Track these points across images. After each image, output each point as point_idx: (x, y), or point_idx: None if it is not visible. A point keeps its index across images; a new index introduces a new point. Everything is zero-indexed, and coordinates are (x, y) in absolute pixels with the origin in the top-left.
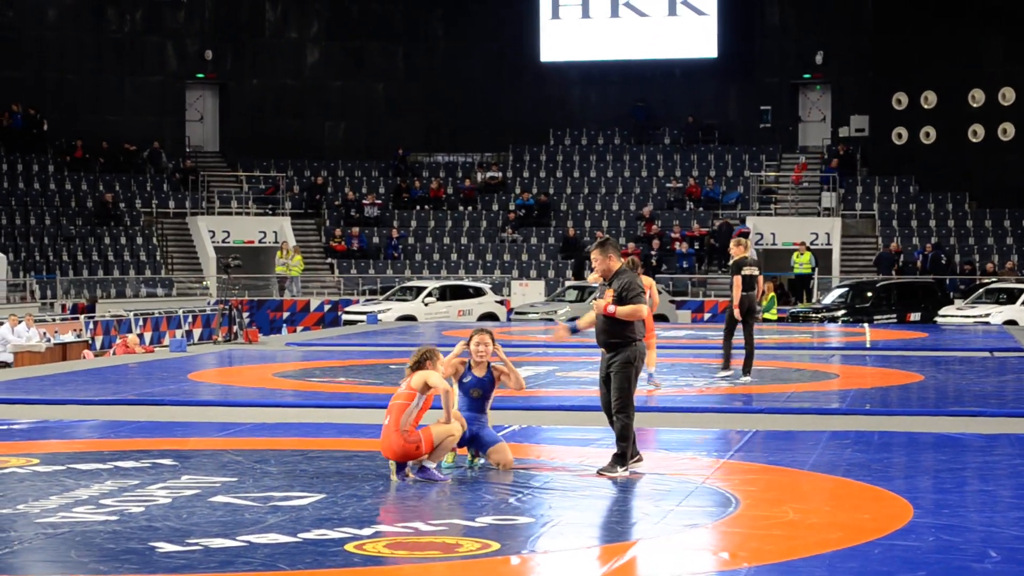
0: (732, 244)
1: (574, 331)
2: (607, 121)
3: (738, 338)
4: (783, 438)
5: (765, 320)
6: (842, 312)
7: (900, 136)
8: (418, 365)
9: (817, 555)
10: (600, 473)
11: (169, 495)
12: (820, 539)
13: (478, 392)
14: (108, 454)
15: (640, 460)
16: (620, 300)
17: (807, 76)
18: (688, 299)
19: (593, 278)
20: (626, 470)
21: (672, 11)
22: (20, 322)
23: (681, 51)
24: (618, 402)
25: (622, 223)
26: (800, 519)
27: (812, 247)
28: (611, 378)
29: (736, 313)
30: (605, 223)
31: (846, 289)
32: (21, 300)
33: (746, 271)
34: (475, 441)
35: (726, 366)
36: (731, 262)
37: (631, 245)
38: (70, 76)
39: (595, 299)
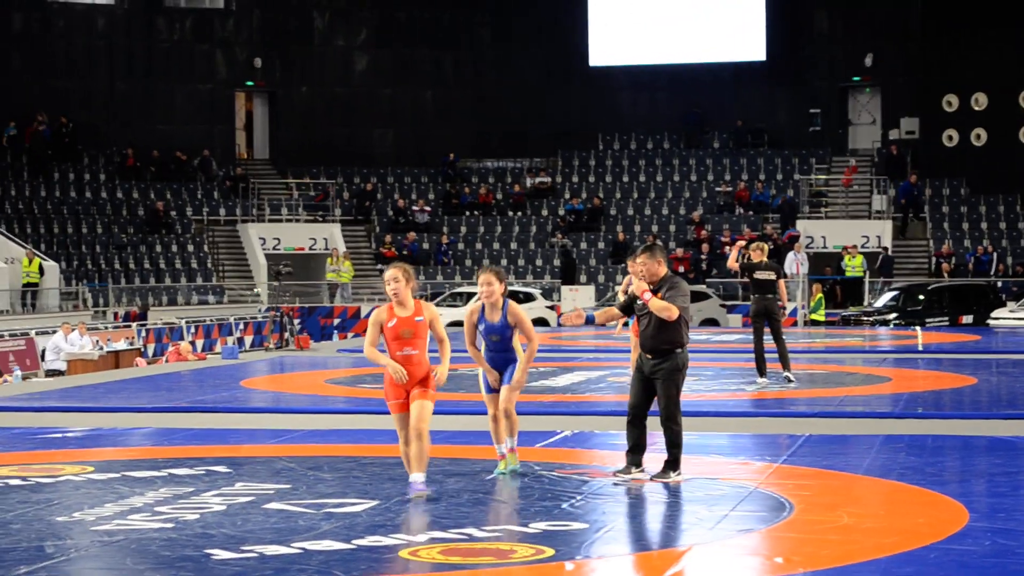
0: (751, 248)
1: (590, 320)
2: (656, 125)
3: (769, 342)
4: (836, 442)
5: (813, 322)
6: (894, 315)
7: (951, 138)
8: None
9: (873, 560)
10: (654, 479)
11: (223, 502)
12: (875, 544)
13: (496, 337)
14: (162, 461)
15: (642, 470)
16: (669, 301)
17: (856, 79)
18: (739, 303)
19: (635, 285)
20: (679, 474)
21: (720, 15)
22: (73, 330)
23: (730, 55)
24: (667, 410)
25: (672, 227)
26: (855, 523)
27: (863, 250)
28: (656, 385)
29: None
30: (655, 227)
31: (897, 292)
32: (74, 308)
33: (758, 275)
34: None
35: (761, 372)
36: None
37: (680, 250)
38: (120, 85)
39: (622, 296)
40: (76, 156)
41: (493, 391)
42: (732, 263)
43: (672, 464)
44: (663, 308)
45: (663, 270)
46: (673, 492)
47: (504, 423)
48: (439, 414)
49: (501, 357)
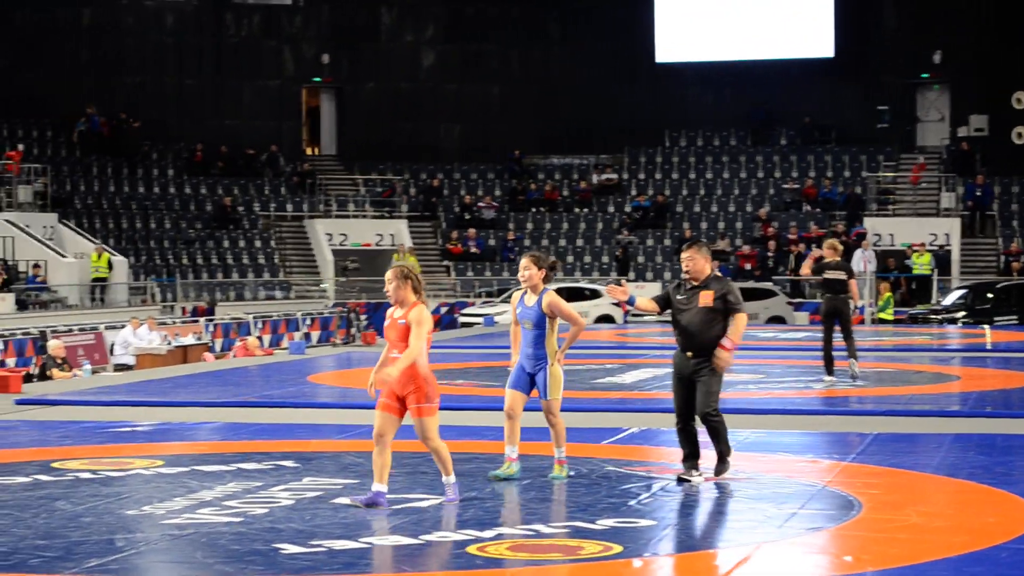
0: (824, 246)
1: (630, 302)
2: (723, 122)
3: (838, 339)
4: (904, 441)
5: (881, 320)
6: (962, 313)
7: (1020, 135)
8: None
9: (943, 559)
10: (710, 479)
11: (292, 497)
12: (945, 542)
13: (528, 323)
14: (231, 456)
15: (700, 474)
16: (723, 301)
17: (925, 76)
18: (805, 300)
19: (723, 359)
20: (726, 468)
21: (788, 10)
22: (142, 325)
23: (797, 51)
24: (706, 406)
25: (738, 224)
26: (924, 523)
27: (931, 248)
28: (697, 382)
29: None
30: (721, 224)
31: (966, 290)
32: (142, 303)
33: (828, 274)
34: (526, 381)
35: (828, 371)
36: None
37: (747, 247)
38: (189, 81)
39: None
40: (135, 150)
41: (515, 388)
42: (805, 270)
43: (723, 456)
44: (740, 332)
45: (708, 267)
46: (741, 490)
47: (552, 433)
48: (501, 410)
49: (532, 354)
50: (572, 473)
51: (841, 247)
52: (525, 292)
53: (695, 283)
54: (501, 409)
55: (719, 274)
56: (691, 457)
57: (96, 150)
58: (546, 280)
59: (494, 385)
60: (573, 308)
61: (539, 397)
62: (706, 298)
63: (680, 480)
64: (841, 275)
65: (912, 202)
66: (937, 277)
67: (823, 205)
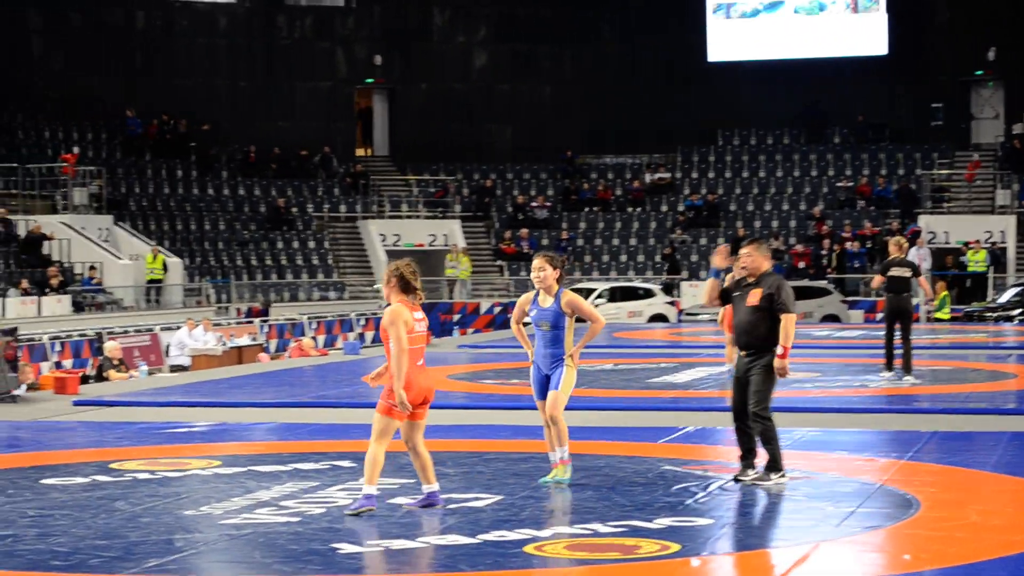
0: (890, 242)
1: (715, 273)
2: (776, 120)
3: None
4: (962, 439)
5: (938, 320)
6: (1018, 311)
7: None
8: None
9: (1001, 558)
10: (754, 483)
11: (349, 496)
12: (1005, 541)
13: (546, 325)
14: (287, 456)
15: (753, 469)
16: (769, 300)
17: (979, 73)
18: (860, 299)
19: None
20: (782, 475)
21: (841, 9)
22: (197, 326)
23: (850, 49)
24: (756, 405)
25: (792, 223)
26: (983, 521)
27: (986, 245)
28: (749, 381)
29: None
30: (775, 223)
31: (1021, 287)
32: (197, 304)
33: (892, 272)
34: (545, 385)
35: (888, 367)
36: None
37: (800, 246)
38: (242, 83)
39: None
40: (184, 153)
41: (543, 399)
42: (876, 284)
43: (772, 465)
44: (790, 330)
45: (767, 265)
46: (798, 488)
47: (553, 431)
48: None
49: (549, 353)
50: (571, 477)
51: (906, 244)
52: (538, 293)
53: (750, 280)
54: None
55: (774, 272)
56: (748, 455)
57: (151, 152)
58: (559, 280)
59: None
60: (595, 309)
61: (550, 388)
62: (755, 296)
63: (737, 479)
64: (906, 272)
65: (967, 200)
66: (992, 274)
67: (877, 203)
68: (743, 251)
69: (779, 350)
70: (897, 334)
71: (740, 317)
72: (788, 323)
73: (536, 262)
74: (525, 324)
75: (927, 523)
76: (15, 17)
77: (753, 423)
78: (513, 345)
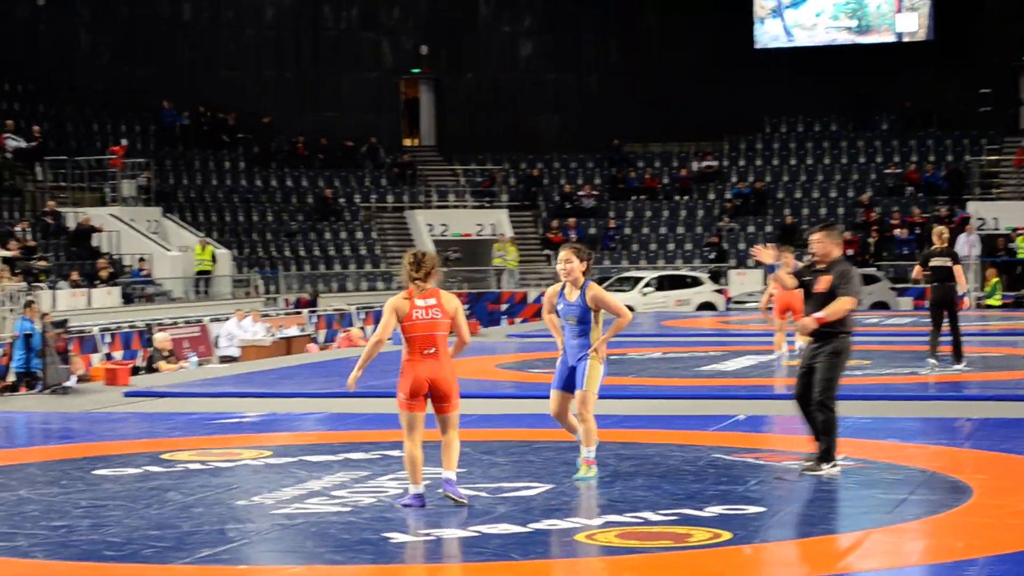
0: (933, 233)
1: (771, 269)
2: (823, 107)
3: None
4: (1014, 426)
5: (988, 306)
6: None
7: None
8: (428, 275)
9: None
10: (803, 473)
11: (400, 486)
12: None
13: (572, 319)
14: (338, 446)
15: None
16: (835, 288)
17: None
18: (909, 286)
19: (802, 324)
20: (833, 466)
21: None
22: (246, 317)
23: (898, 34)
24: (822, 393)
25: (840, 210)
26: None
27: None
28: (816, 368)
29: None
30: (823, 210)
31: None
32: (245, 295)
33: (933, 262)
34: (569, 377)
35: (932, 354)
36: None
37: (848, 233)
38: (288, 74)
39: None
40: (233, 145)
41: (559, 388)
42: (917, 275)
43: (825, 455)
44: (839, 310)
45: (837, 252)
46: (850, 476)
47: (580, 430)
48: (612, 398)
49: (577, 344)
50: (595, 475)
51: (948, 234)
52: (564, 286)
53: (820, 266)
54: (603, 397)
55: (843, 260)
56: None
57: (198, 144)
58: (586, 273)
59: None
60: (621, 302)
61: (576, 388)
62: (824, 283)
63: (803, 472)
64: (946, 262)
65: (1016, 185)
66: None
67: (926, 189)
68: (814, 237)
69: (819, 314)
70: (945, 322)
71: (808, 304)
72: (842, 302)
73: (562, 254)
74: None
75: (980, 510)
76: (64, 11)
77: (816, 411)
78: None
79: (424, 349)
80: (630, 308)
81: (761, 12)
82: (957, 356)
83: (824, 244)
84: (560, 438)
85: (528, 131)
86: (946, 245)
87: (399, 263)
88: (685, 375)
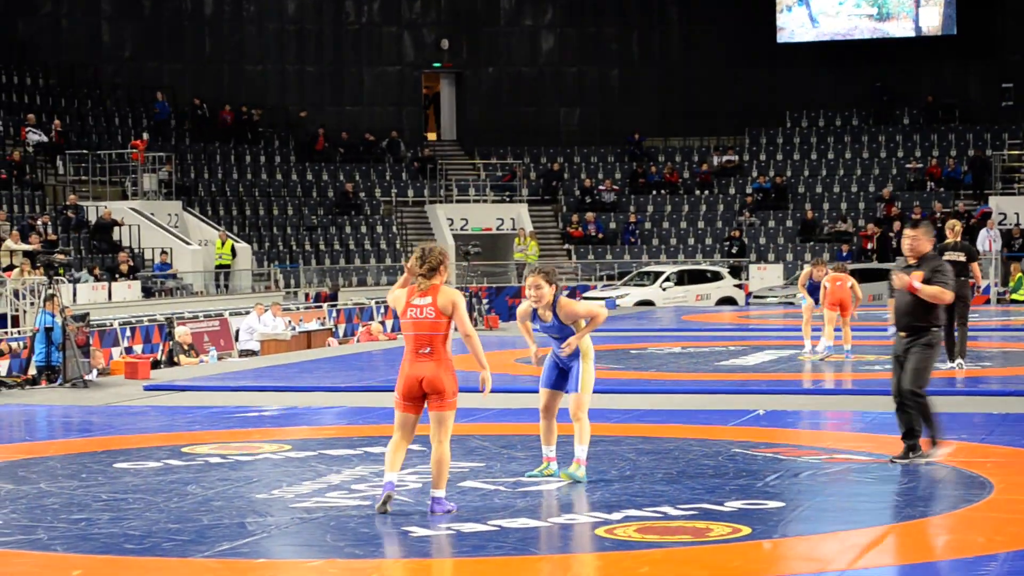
0: (946, 227)
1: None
2: (844, 102)
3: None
4: None
5: (1013, 301)
6: None
7: None
8: (433, 271)
9: None
10: (894, 459)
11: (419, 480)
12: None
13: (554, 335)
14: (357, 440)
15: (920, 455)
16: (928, 283)
17: None
18: None
19: (896, 279)
20: (938, 449)
21: None
22: (266, 311)
23: (920, 28)
24: (913, 382)
25: (861, 205)
26: None
27: None
28: (908, 359)
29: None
30: (844, 205)
31: None
32: (266, 289)
33: (947, 256)
34: (559, 377)
35: (949, 356)
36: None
37: (871, 226)
38: (310, 68)
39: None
40: (239, 138)
41: (548, 387)
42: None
43: (931, 440)
44: (935, 295)
45: (928, 247)
46: (870, 471)
47: (575, 429)
48: (632, 393)
49: (560, 357)
50: (586, 479)
51: (960, 228)
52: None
53: (912, 262)
54: (623, 392)
55: (935, 255)
56: (908, 436)
57: (217, 138)
58: (556, 292)
59: (616, 368)
60: (593, 304)
61: (570, 390)
62: (915, 279)
63: (893, 460)
64: (961, 256)
65: None
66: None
67: (947, 184)
68: (907, 233)
69: (918, 284)
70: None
71: (900, 299)
72: (933, 288)
73: (530, 279)
74: None
75: (1001, 505)
76: (86, 5)
77: (909, 401)
78: None
79: (418, 348)
80: (649, 303)
81: (784, 5)
82: (961, 352)
83: (917, 240)
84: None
85: (549, 125)
86: (959, 239)
87: None
88: (705, 370)
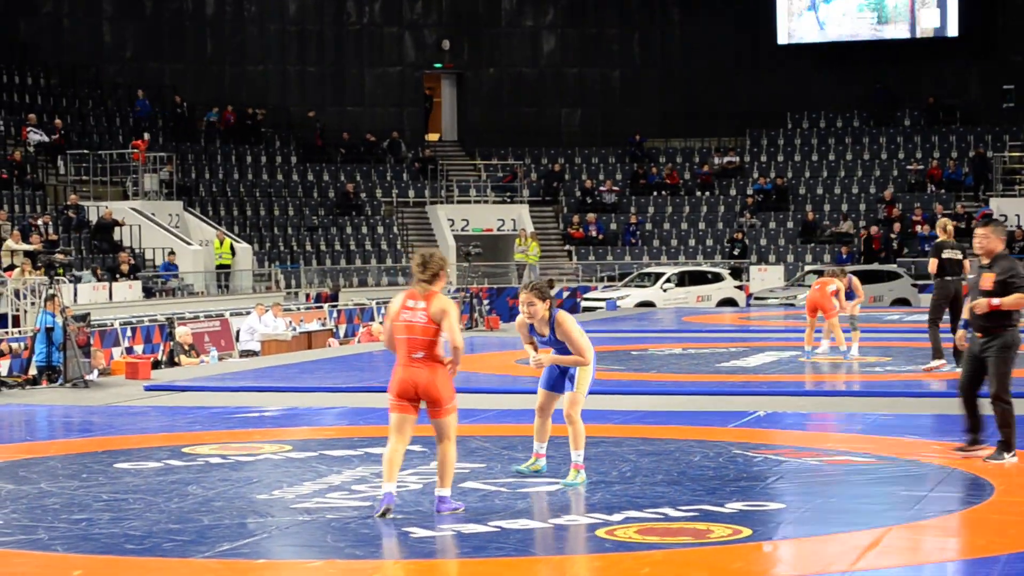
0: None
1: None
2: (845, 103)
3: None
4: None
5: None
6: None
7: None
8: (435, 276)
9: None
10: (986, 461)
11: (420, 481)
12: None
13: (552, 348)
14: (358, 441)
15: (983, 450)
16: (1003, 286)
17: None
18: (931, 283)
19: (976, 302)
20: (1013, 455)
21: None
22: (267, 311)
23: (920, 30)
24: (997, 388)
25: (862, 206)
26: None
27: None
28: (987, 364)
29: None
30: (844, 207)
31: None
32: (266, 290)
33: (946, 254)
34: (559, 378)
35: (936, 355)
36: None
37: (874, 228)
38: (311, 69)
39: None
40: (240, 138)
41: (546, 387)
42: (933, 269)
43: (1004, 446)
44: (1015, 303)
45: (1001, 247)
46: (871, 472)
47: (569, 432)
48: (632, 394)
49: (556, 368)
50: (585, 480)
51: (951, 226)
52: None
53: (984, 262)
54: (623, 393)
55: (1006, 255)
56: (972, 431)
57: (220, 139)
58: (551, 305)
59: (617, 369)
60: (586, 345)
61: (566, 389)
62: (987, 280)
63: (957, 451)
64: (957, 254)
65: None
66: None
67: (948, 186)
68: (978, 232)
69: (994, 300)
70: (945, 318)
71: (974, 300)
72: (1018, 299)
73: (523, 296)
74: None
75: (1002, 507)
76: (88, 5)
77: (993, 406)
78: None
79: (411, 353)
80: (650, 304)
81: (784, 6)
82: (939, 353)
83: (988, 239)
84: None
85: (550, 126)
86: (951, 237)
87: None
88: (706, 371)
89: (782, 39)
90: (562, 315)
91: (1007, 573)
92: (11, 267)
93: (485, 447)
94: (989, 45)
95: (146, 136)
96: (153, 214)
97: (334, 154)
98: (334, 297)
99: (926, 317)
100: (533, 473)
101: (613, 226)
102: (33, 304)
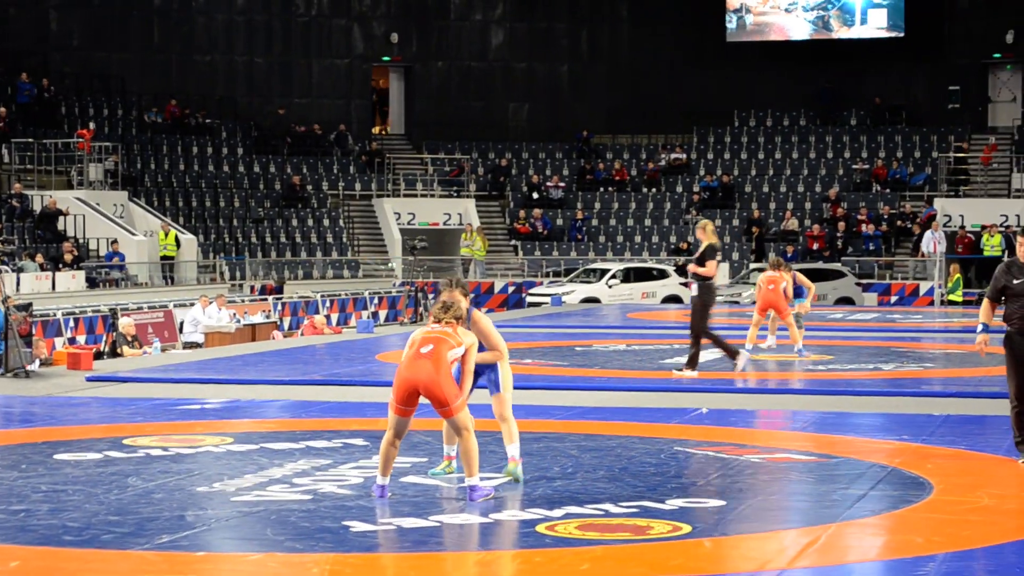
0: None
1: (986, 329)
2: (792, 102)
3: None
4: (975, 422)
5: (951, 303)
6: None
7: None
8: (457, 319)
9: (1015, 541)
10: None
11: (361, 475)
12: (1018, 525)
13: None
14: (300, 434)
15: None
16: None
17: (997, 56)
18: (874, 282)
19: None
20: None
21: None
22: (211, 303)
23: (868, 30)
24: None
25: (807, 205)
26: (996, 504)
27: (1001, 229)
28: None
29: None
30: (790, 205)
31: None
32: (211, 281)
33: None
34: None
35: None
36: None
37: (816, 227)
38: (258, 60)
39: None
40: (184, 131)
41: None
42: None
43: None
44: None
45: None
46: (811, 471)
47: (503, 429)
48: (576, 390)
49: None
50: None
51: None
52: None
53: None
54: (567, 388)
55: None
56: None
57: (165, 131)
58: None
59: (561, 364)
60: (500, 341)
61: (492, 392)
62: None
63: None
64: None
65: (983, 183)
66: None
67: (893, 186)
68: (1021, 240)
69: None
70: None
71: (1013, 304)
72: None
73: (446, 293)
74: None
75: (940, 506)
76: None
77: None
78: (526, 325)
79: (422, 347)
80: (595, 300)
81: (733, 4)
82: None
83: None
84: (525, 429)
85: (497, 120)
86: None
87: (366, 251)
88: (649, 368)
89: (730, 37)
90: (477, 313)
91: (944, 572)
92: None
93: (428, 441)
94: (935, 47)
95: (91, 126)
96: (98, 204)
97: (280, 146)
98: (279, 289)
99: (869, 316)
100: (449, 475)
101: (559, 221)
102: None
